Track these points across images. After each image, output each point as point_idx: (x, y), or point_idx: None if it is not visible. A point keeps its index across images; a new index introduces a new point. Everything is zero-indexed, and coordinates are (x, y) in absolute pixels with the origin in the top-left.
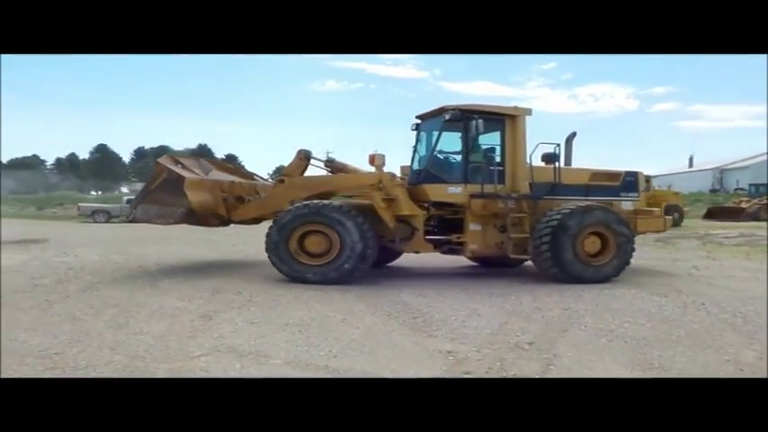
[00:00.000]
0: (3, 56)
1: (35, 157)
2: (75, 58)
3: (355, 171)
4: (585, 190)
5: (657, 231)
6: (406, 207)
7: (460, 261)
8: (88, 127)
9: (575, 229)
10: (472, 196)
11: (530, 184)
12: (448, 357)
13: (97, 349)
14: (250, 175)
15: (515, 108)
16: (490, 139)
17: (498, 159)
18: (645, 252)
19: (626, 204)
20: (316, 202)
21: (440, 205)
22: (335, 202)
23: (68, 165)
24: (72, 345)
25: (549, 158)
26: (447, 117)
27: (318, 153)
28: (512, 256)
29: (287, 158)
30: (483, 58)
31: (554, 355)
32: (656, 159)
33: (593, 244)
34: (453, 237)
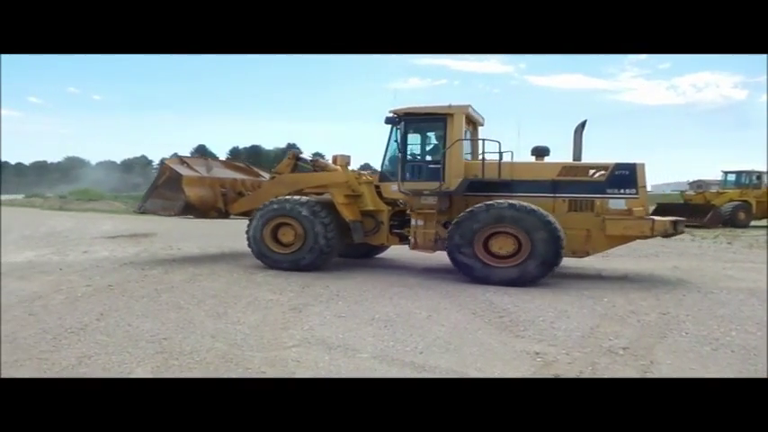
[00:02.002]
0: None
1: (144, 157)
2: (179, 65)
3: (334, 170)
4: (552, 186)
5: (642, 237)
6: (371, 203)
7: None
8: (189, 129)
9: (471, 230)
10: (404, 194)
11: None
12: (536, 359)
13: (200, 336)
14: (257, 173)
15: (450, 107)
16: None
17: (419, 157)
18: (754, 255)
19: (615, 203)
20: (286, 197)
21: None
22: (302, 197)
23: None
24: (178, 331)
25: (539, 152)
26: (384, 120)
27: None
28: (411, 249)
29: (371, 155)
30: None
31: (651, 362)
32: None
33: (499, 245)
34: (405, 231)
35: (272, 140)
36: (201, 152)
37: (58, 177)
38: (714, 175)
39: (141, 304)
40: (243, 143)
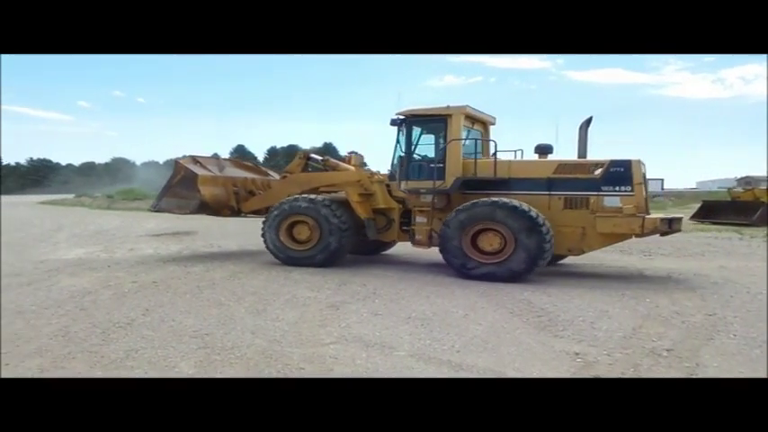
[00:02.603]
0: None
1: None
2: (219, 68)
3: (345, 169)
4: (547, 183)
5: (634, 235)
6: (383, 201)
7: (585, 258)
8: (229, 130)
9: (456, 246)
10: (404, 192)
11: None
12: (576, 359)
13: (240, 332)
14: (264, 172)
15: (448, 108)
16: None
17: (419, 157)
18: None
19: (610, 200)
20: (300, 196)
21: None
22: (317, 196)
23: None
24: (219, 327)
25: (542, 150)
26: (390, 122)
27: None
28: (414, 245)
29: None
30: None
31: (697, 365)
32: None
33: (489, 243)
34: (411, 228)
35: (308, 140)
36: (240, 152)
37: (110, 177)
38: (764, 171)
39: (184, 300)
40: (280, 143)
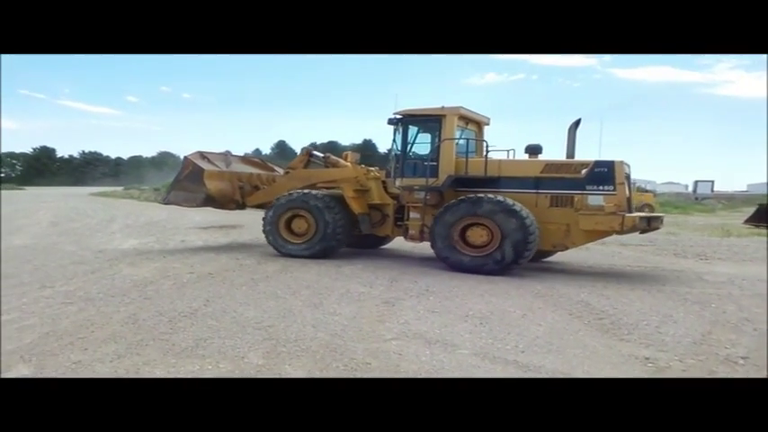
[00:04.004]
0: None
1: (228, 152)
2: (263, 65)
3: (344, 166)
4: (535, 183)
5: (614, 232)
6: (378, 197)
7: (639, 260)
8: (271, 126)
9: (448, 221)
10: (399, 189)
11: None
12: (647, 364)
13: (301, 325)
14: (271, 168)
15: (442, 108)
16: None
17: (413, 155)
18: None
19: (593, 199)
20: (298, 191)
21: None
22: (314, 191)
23: None
24: (280, 319)
25: (532, 150)
26: (387, 121)
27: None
28: (406, 240)
29: None
30: None
31: None
32: None
33: (477, 235)
34: (405, 223)
35: (348, 137)
36: (281, 148)
37: (156, 171)
38: None
39: (242, 292)
40: (321, 139)
